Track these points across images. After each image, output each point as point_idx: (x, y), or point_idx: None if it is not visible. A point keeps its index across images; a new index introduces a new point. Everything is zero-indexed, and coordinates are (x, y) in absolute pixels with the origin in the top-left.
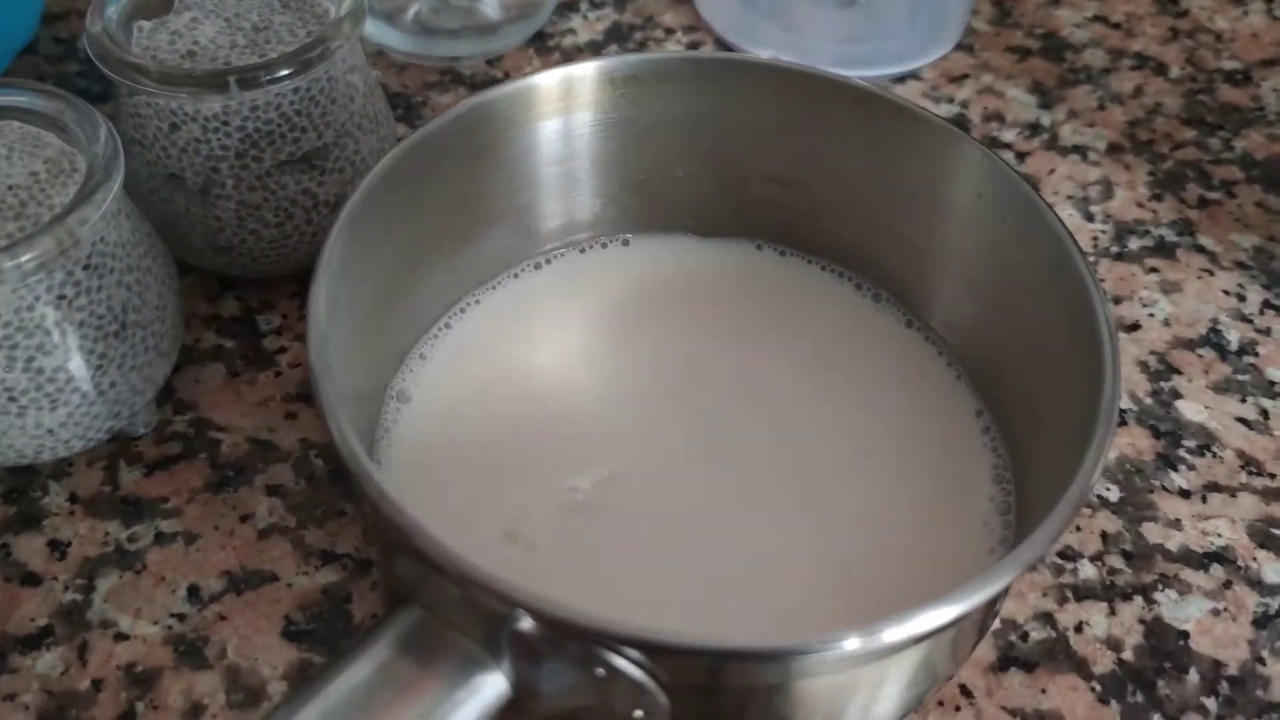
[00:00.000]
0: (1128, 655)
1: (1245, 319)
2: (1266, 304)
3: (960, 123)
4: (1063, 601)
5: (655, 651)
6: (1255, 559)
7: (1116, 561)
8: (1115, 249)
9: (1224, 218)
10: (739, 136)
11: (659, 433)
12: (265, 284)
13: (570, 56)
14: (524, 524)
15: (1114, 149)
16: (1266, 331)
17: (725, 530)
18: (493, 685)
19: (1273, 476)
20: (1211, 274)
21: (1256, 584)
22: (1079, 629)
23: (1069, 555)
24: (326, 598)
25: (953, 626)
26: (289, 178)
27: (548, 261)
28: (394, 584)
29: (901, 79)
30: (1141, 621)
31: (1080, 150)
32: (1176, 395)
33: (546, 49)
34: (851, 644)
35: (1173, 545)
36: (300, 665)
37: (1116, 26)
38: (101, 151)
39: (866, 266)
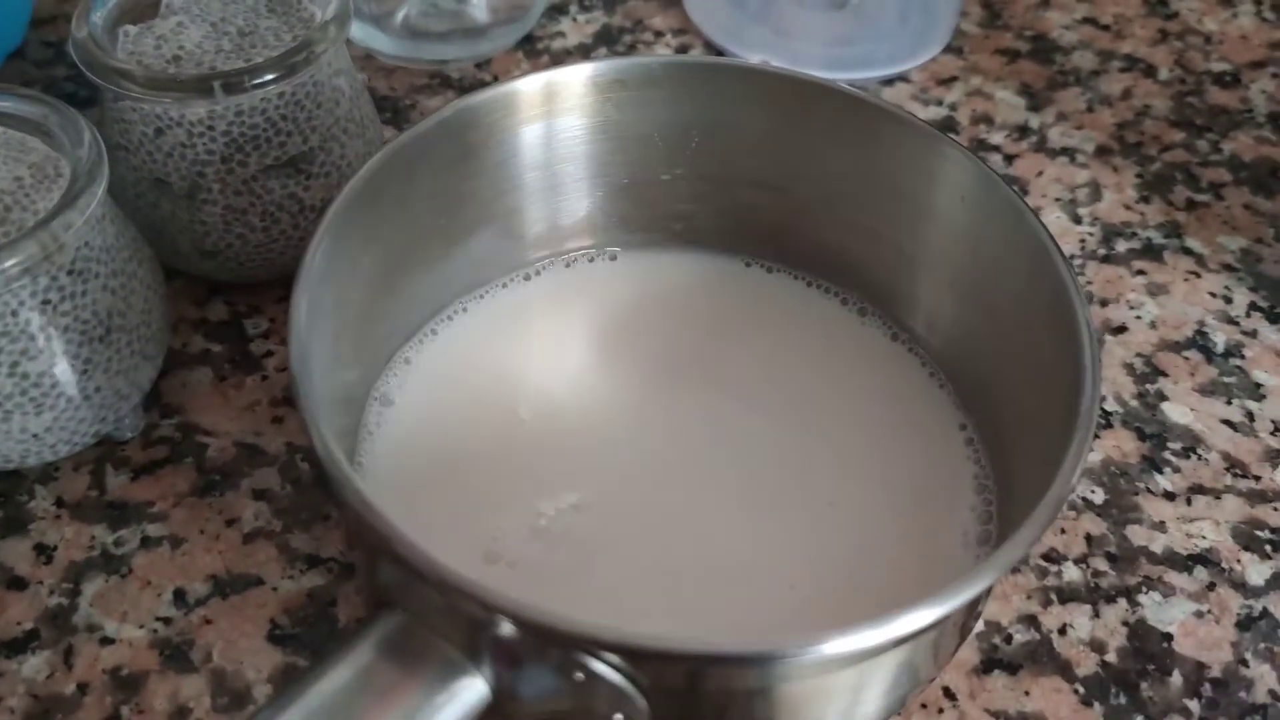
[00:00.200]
0: (1111, 657)
1: (1232, 321)
2: (1253, 306)
3: (949, 125)
4: (1047, 604)
5: (634, 656)
6: (1239, 561)
7: (1101, 564)
8: (1103, 251)
9: (1212, 220)
10: (724, 140)
11: (644, 445)
12: (252, 288)
13: (559, 59)
14: (501, 544)
15: (1102, 151)
16: (1253, 334)
17: (710, 539)
18: (473, 689)
19: (1257, 479)
20: (1198, 276)
21: (1240, 586)
22: (1063, 631)
23: (1053, 558)
24: (311, 601)
25: (932, 629)
26: (275, 182)
27: (536, 273)
28: (376, 588)
29: (891, 81)
30: (1125, 624)
31: (1069, 152)
32: (1162, 397)
33: (536, 52)
34: (830, 647)
35: (1157, 547)
36: (285, 669)
37: (1106, 28)
38: (85, 156)
39: (850, 270)
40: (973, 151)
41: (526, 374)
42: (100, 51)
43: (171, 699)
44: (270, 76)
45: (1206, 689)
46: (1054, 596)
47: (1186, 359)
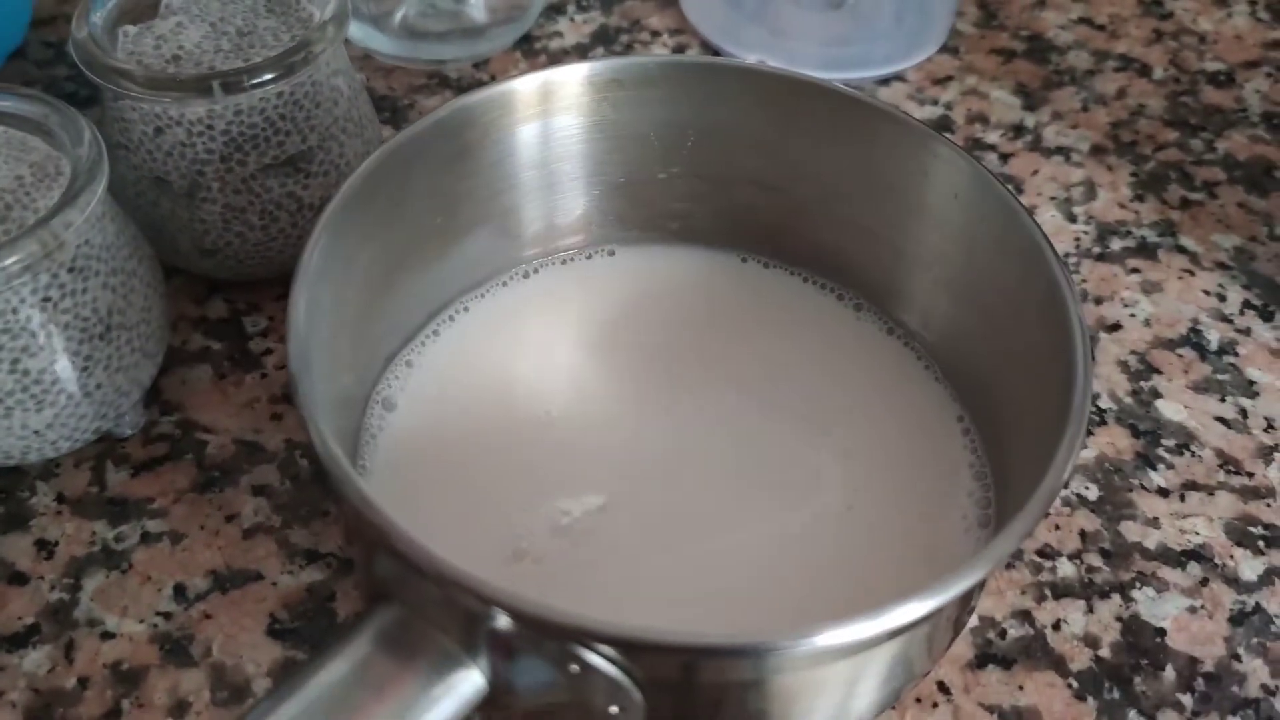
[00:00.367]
0: (1105, 652)
1: (1225, 319)
2: (1247, 304)
3: (945, 124)
4: (1041, 599)
5: (628, 648)
6: (1232, 557)
7: (1095, 560)
8: (1097, 250)
9: (1205, 218)
10: (720, 139)
11: (645, 443)
12: (251, 286)
13: (557, 59)
14: (527, 541)
15: (1097, 150)
16: (1246, 331)
17: (703, 532)
18: (470, 682)
19: (1250, 475)
20: (1192, 274)
21: (1233, 582)
22: (1057, 626)
23: (1047, 553)
24: (311, 596)
25: (925, 622)
26: (274, 181)
27: (535, 270)
28: (373, 582)
29: (887, 81)
30: (1119, 619)
31: (1064, 151)
32: (1156, 395)
33: (533, 52)
34: (822, 640)
35: (1151, 543)
36: (285, 663)
37: (1101, 28)
38: (86, 155)
39: (846, 268)
40: (968, 151)
41: (529, 373)
42: (100, 51)
43: (171, 693)
44: (269, 76)
45: (1199, 683)
46: (1048, 592)
47: (1180, 356)
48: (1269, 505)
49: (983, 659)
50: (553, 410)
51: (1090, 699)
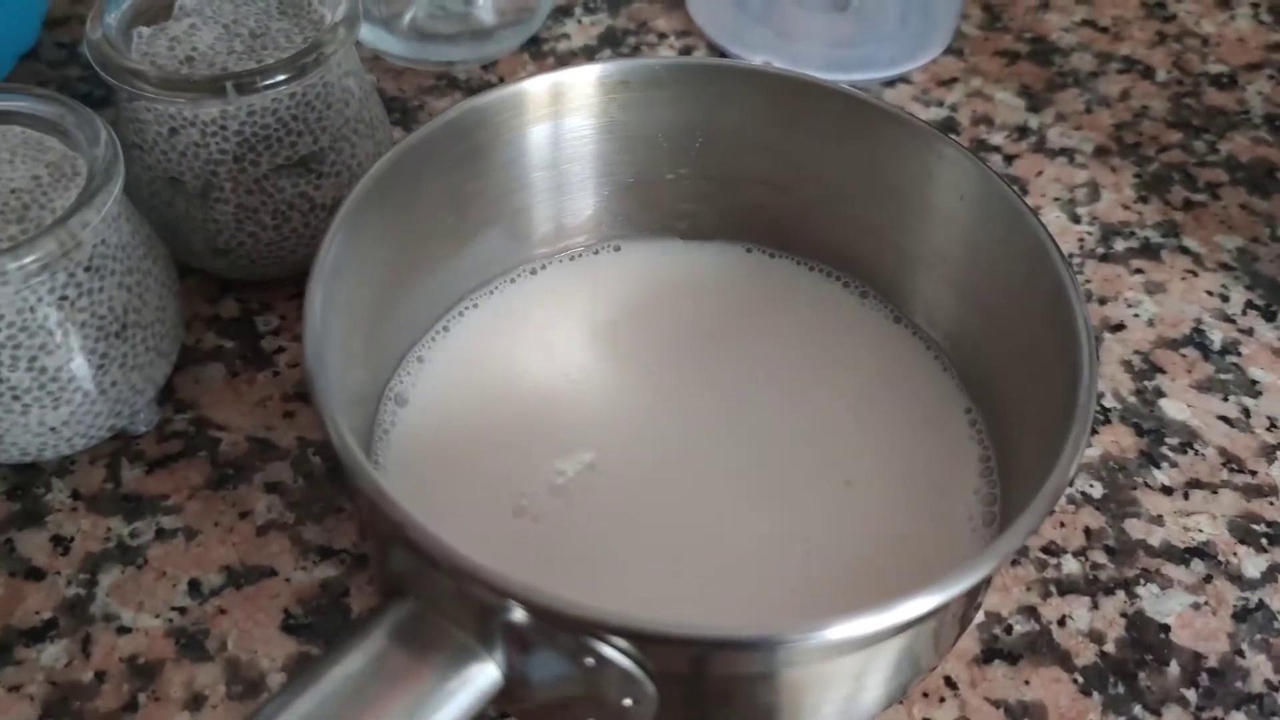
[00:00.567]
0: (1110, 648)
1: (1228, 319)
2: (1249, 304)
3: (950, 126)
4: (1046, 595)
5: (642, 640)
6: (1236, 554)
7: (1099, 556)
8: (1101, 250)
9: (1208, 220)
10: (728, 140)
11: (652, 430)
12: (264, 286)
13: (564, 61)
14: (528, 499)
15: (1101, 151)
16: (1249, 332)
17: (714, 523)
18: (485, 675)
19: (1253, 474)
20: (1195, 275)
21: (1237, 578)
22: (1062, 622)
23: (1053, 550)
24: (324, 592)
25: (933, 617)
26: (286, 181)
27: (543, 266)
28: (388, 577)
29: (892, 83)
30: (1123, 615)
31: (1067, 153)
32: (1160, 394)
33: (541, 54)
34: (831, 633)
35: (1155, 541)
36: (299, 658)
37: (1104, 30)
38: (102, 155)
39: (852, 267)
40: (973, 152)
41: (538, 365)
42: (115, 52)
43: (187, 687)
44: (281, 77)
45: (1203, 679)
46: (1053, 588)
47: (1184, 356)
48: (1272, 503)
49: (989, 654)
50: (562, 402)
51: (1095, 694)
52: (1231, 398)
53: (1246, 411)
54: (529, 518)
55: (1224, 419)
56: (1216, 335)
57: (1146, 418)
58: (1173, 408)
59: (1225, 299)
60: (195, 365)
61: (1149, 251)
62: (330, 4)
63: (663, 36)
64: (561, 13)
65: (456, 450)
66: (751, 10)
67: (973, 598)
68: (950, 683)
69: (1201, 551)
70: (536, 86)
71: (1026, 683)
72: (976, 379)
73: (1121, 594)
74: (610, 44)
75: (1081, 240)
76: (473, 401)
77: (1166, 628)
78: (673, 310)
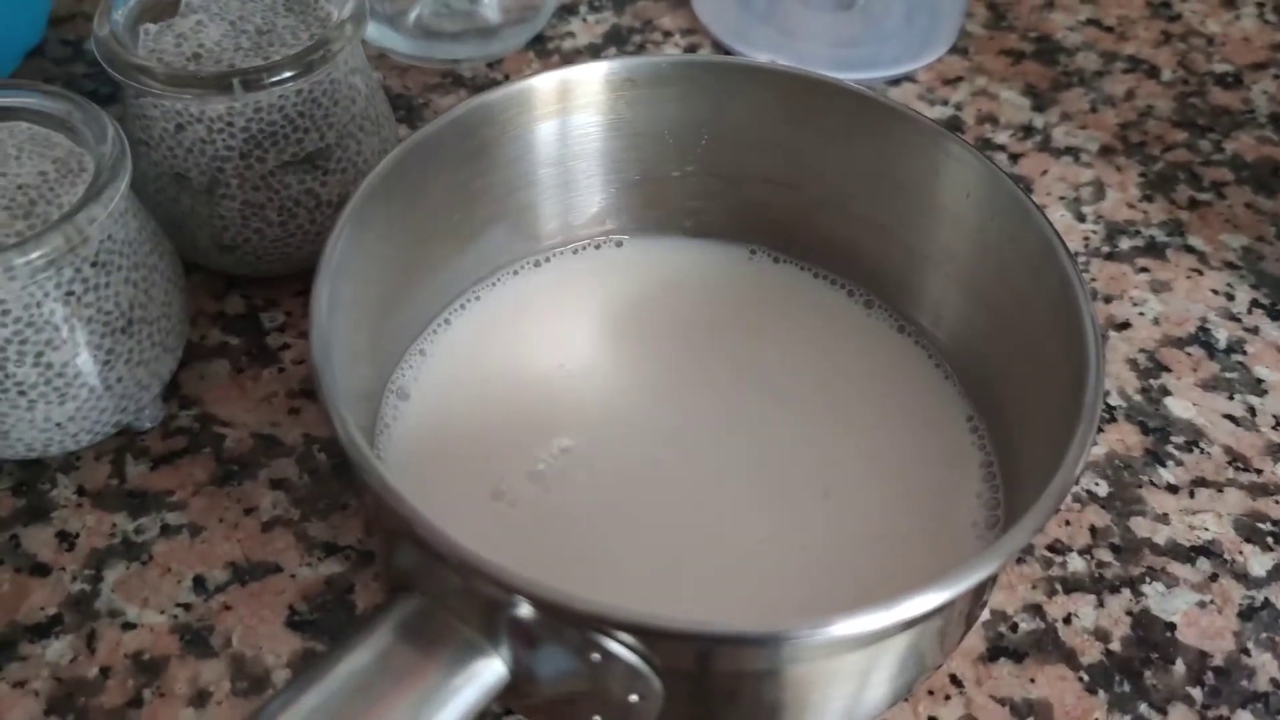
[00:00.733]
0: (1115, 646)
1: (1233, 318)
2: (1254, 303)
3: (955, 125)
4: (1052, 594)
5: (649, 636)
6: (1241, 553)
7: (1105, 555)
8: (1106, 249)
9: (1214, 219)
10: (734, 138)
11: (652, 432)
12: (269, 282)
13: (570, 59)
14: (509, 483)
15: (1106, 151)
16: (1254, 330)
17: (714, 521)
18: (491, 670)
19: (1259, 472)
20: (1201, 274)
21: (1242, 577)
22: (1068, 620)
23: (1058, 549)
24: (329, 588)
25: (938, 614)
26: (292, 178)
27: (546, 260)
28: (395, 572)
29: (897, 81)
30: (1129, 613)
31: (1073, 152)
32: (1165, 392)
33: (546, 51)
34: (838, 629)
35: (1160, 539)
36: (304, 654)
37: (1109, 30)
38: (109, 152)
39: (858, 265)
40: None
41: (538, 360)
42: (122, 49)
43: (192, 683)
44: (288, 74)
45: (1209, 677)
46: (1059, 586)
47: (1189, 355)
48: (1277, 502)
49: (995, 652)
50: (563, 396)
51: (1101, 692)
52: (1237, 396)
53: (1252, 410)
54: (529, 510)
55: (1229, 417)
56: (1222, 334)
57: (1152, 416)
58: (1178, 406)
59: (1230, 298)
60: (200, 361)
61: (1154, 250)
62: (337, 1)
63: (668, 35)
64: (566, 11)
65: (457, 444)
66: (756, 9)
67: (978, 595)
68: (956, 680)
69: (1207, 550)
70: (544, 83)
71: (1032, 681)
72: (981, 381)
73: (1127, 592)
74: (615, 42)
75: (1087, 239)
76: (474, 394)
77: (1172, 626)
78: (674, 309)
